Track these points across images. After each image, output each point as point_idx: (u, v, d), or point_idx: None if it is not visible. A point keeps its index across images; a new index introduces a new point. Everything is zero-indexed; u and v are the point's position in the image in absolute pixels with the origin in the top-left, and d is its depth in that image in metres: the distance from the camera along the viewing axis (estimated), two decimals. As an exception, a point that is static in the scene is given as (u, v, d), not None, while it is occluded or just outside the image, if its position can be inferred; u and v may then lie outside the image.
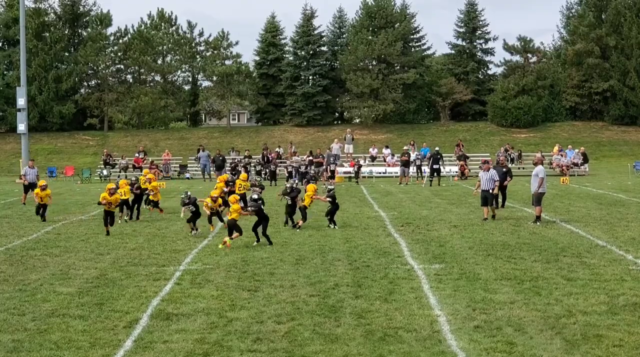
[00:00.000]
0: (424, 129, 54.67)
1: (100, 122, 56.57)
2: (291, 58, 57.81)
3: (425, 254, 14.40)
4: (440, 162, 34.42)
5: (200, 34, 59.94)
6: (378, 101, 53.72)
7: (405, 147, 38.48)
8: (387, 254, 14.44)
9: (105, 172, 41.81)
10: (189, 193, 17.95)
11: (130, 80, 59.02)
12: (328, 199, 18.49)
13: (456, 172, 38.09)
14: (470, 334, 8.87)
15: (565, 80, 55.12)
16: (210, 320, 9.62)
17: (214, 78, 57.97)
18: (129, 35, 58.05)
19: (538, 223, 18.49)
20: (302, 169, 37.86)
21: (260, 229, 15.86)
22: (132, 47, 56.37)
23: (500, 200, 22.32)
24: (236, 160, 40.24)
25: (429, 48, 59.84)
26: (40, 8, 56.77)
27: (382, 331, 9.03)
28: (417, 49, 58.48)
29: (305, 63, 56.37)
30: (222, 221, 18.31)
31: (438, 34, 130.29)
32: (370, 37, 54.65)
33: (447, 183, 34.08)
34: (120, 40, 57.99)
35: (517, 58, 57.87)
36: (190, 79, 61.67)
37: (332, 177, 36.87)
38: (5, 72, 56.79)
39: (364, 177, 39.03)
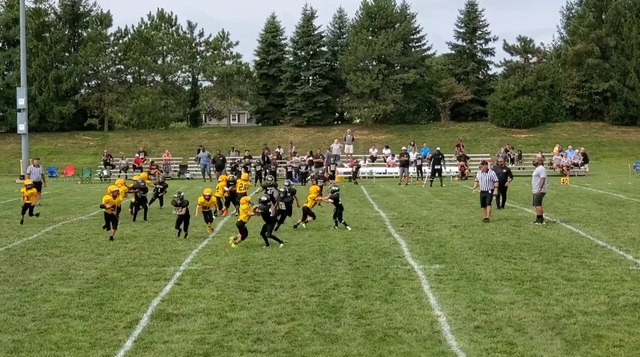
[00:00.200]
0: (424, 129, 54.68)
1: (101, 122, 56.59)
2: (291, 58, 57.83)
3: (425, 254, 14.40)
4: (441, 163, 34.40)
5: (201, 34, 60.01)
6: (378, 101, 53.73)
7: (404, 148, 38.46)
8: (388, 254, 14.44)
9: (105, 172, 41.82)
10: (182, 194, 17.62)
11: (131, 81, 59.05)
12: (330, 200, 18.45)
13: (456, 172, 38.08)
14: (470, 335, 8.87)
15: (565, 81, 55.14)
16: (211, 320, 9.62)
17: (214, 78, 58.00)
18: (129, 36, 58.08)
19: (541, 223, 18.47)
20: (302, 169, 37.87)
21: (267, 231, 15.73)
22: (132, 47, 56.40)
23: (500, 200, 22.32)
24: (236, 161, 40.24)
25: (429, 48, 59.96)
26: (40, 8, 56.80)
27: (383, 331, 9.03)
28: (417, 49, 58.50)
29: (305, 63, 56.38)
30: (210, 221, 18.00)
31: (438, 34, 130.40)
32: (370, 38, 54.67)
33: (447, 183, 34.07)
34: (121, 41, 58.02)
35: (517, 58, 57.93)
36: (190, 79, 61.72)
37: (333, 177, 36.86)
38: (5, 73, 56.80)
39: (364, 177, 39.04)
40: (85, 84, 59.55)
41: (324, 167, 37.81)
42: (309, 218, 18.30)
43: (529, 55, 57.50)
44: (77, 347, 8.58)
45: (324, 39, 58.68)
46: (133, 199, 21.24)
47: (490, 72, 60.50)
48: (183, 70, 60.75)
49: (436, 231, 17.61)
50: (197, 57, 60.11)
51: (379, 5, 56.08)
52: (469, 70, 57.65)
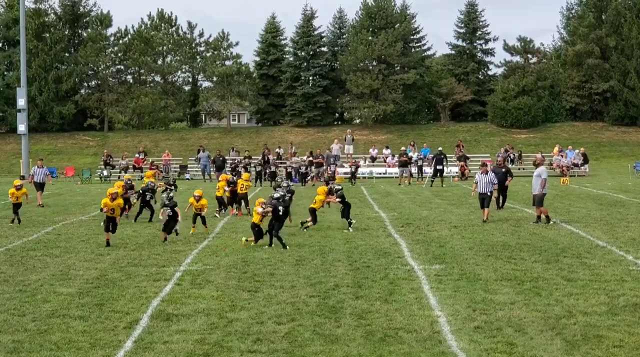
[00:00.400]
0: (424, 129, 54.68)
1: (101, 122, 56.59)
2: (291, 59, 57.83)
3: (425, 254, 14.40)
4: (443, 163, 34.36)
5: (201, 35, 60.00)
6: (378, 102, 53.73)
7: (403, 148, 38.46)
8: (388, 254, 14.44)
9: (105, 172, 41.82)
10: (171, 195, 17.44)
11: (131, 81, 59.04)
12: (337, 199, 18.38)
13: (456, 172, 38.07)
14: (470, 335, 8.87)
15: (565, 81, 55.13)
16: (211, 321, 9.62)
17: (214, 78, 58.00)
18: (129, 36, 58.07)
19: (548, 223, 18.47)
20: (302, 169, 37.87)
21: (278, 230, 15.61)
22: (132, 47, 56.40)
23: (500, 201, 22.33)
24: (236, 161, 40.25)
25: (429, 49, 59.94)
26: (40, 9, 56.79)
27: (383, 332, 9.03)
28: (417, 49, 58.49)
29: (305, 64, 56.38)
30: (203, 225, 17.77)
31: (438, 34, 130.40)
32: (370, 38, 54.66)
33: (447, 184, 34.06)
34: (121, 41, 58.01)
35: (517, 59, 57.93)
36: (190, 80, 61.72)
37: (333, 177, 36.85)
38: (5, 73, 56.81)
39: (364, 177, 39.04)
40: (85, 84, 59.56)
41: (324, 167, 37.83)
42: (309, 221, 18.12)
43: (529, 56, 57.50)
44: (77, 347, 8.58)
45: (324, 39, 58.69)
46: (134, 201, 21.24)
47: (490, 73, 60.54)
48: (183, 70, 60.77)
49: (436, 231, 17.62)
50: (197, 57, 60.10)
51: (379, 5, 56.09)
52: (469, 71, 57.65)
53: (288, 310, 10.11)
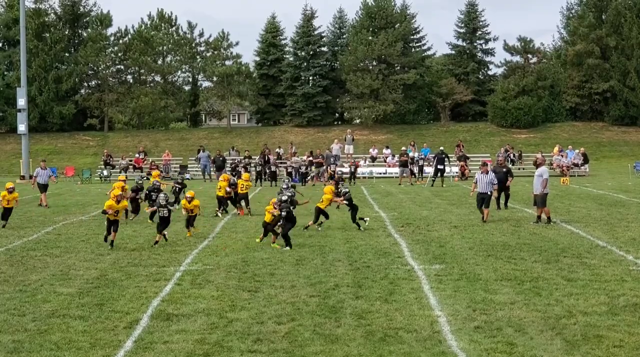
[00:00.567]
0: (424, 129, 54.69)
1: (101, 122, 56.59)
2: (291, 58, 57.83)
3: (425, 254, 14.40)
4: (445, 162, 34.37)
5: (201, 35, 60.00)
6: (378, 102, 53.73)
7: (403, 148, 38.45)
8: (388, 254, 14.44)
9: (105, 172, 41.82)
10: (167, 196, 17.11)
11: (131, 81, 59.04)
12: (345, 201, 18.34)
13: (456, 172, 38.08)
14: (470, 335, 8.87)
15: (565, 81, 55.13)
16: (211, 321, 9.62)
17: (214, 78, 57.99)
18: (129, 36, 58.07)
19: (549, 223, 18.47)
20: (302, 169, 37.87)
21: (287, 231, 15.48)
22: (132, 47, 56.40)
23: (502, 201, 22.30)
24: (236, 161, 40.25)
25: (429, 48, 59.94)
26: (40, 8, 56.79)
27: (383, 332, 9.03)
28: (417, 49, 58.49)
29: (305, 63, 56.38)
30: (191, 226, 17.34)
31: (438, 34, 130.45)
32: (370, 38, 54.66)
33: (448, 184, 34.06)
34: (121, 41, 58.01)
35: (517, 58, 57.93)
36: (190, 80, 61.71)
37: (333, 177, 36.84)
38: (5, 73, 56.80)
39: (364, 177, 39.04)
40: (85, 84, 59.56)
41: (324, 167, 37.83)
42: (310, 223, 18.01)
43: (529, 56, 57.51)
44: (77, 347, 8.58)
45: (324, 39, 58.69)
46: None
47: (490, 73, 60.54)
48: (183, 70, 60.77)
49: (436, 231, 17.61)
50: (197, 57, 60.10)
51: (379, 5, 56.08)
52: (469, 71, 57.65)
53: (288, 310, 10.11)
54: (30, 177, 40.64)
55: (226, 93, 56.42)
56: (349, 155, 42.24)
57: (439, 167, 33.73)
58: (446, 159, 34.70)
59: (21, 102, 42.92)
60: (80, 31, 59.26)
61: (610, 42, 52.64)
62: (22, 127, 42.97)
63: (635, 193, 27.09)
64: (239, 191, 21.78)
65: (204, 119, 70.98)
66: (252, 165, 38.32)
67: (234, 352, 8.34)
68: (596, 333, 8.85)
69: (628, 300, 10.43)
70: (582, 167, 40.02)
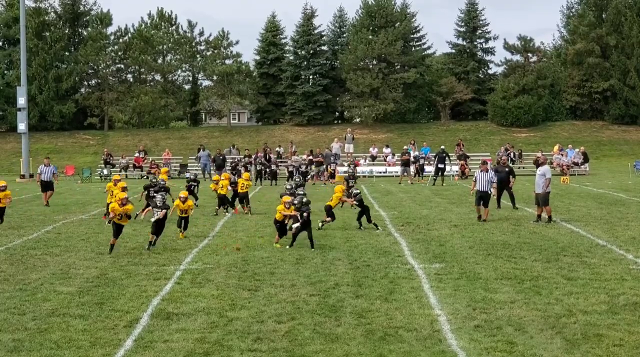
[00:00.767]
0: (425, 128, 54.68)
1: (101, 121, 56.61)
2: (291, 57, 57.82)
3: (425, 253, 14.40)
4: (446, 161, 34.37)
5: (201, 34, 60.00)
6: (378, 101, 53.72)
7: (405, 147, 38.45)
8: (388, 253, 14.44)
9: (105, 171, 41.82)
10: (164, 197, 16.47)
11: (131, 80, 59.05)
12: (355, 202, 18.30)
13: (456, 171, 38.08)
14: (470, 334, 8.87)
15: (565, 80, 55.12)
16: (211, 319, 9.62)
17: (214, 77, 58.00)
18: (129, 35, 58.09)
19: (550, 222, 18.47)
20: (302, 168, 37.87)
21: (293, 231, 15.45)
22: (132, 46, 56.41)
23: (507, 201, 22.21)
24: (236, 160, 40.26)
25: (429, 47, 59.90)
26: (40, 7, 56.81)
27: (383, 331, 9.03)
28: (418, 48, 58.48)
29: (305, 62, 56.37)
30: (183, 228, 16.94)
31: (438, 33, 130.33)
32: (370, 37, 54.65)
33: (448, 182, 34.06)
34: (121, 40, 58.02)
35: (517, 57, 57.93)
36: (190, 79, 61.73)
37: (333, 176, 36.87)
38: (5, 72, 56.83)
39: (364, 176, 39.03)
40: (86, 83, 59.57)
41: (324, 166, 37.84)
42: (327, 219, 17.94)
43: (529, 55, 57.50)
44: (77, 346, 8.58)
45: (324, 38, 58.67)
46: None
47: (490, 72, 60.54)
48: (183, 69, 60.77)
49: (436, 230, 17.61)
50: (197, 56, 60.10)
51: (379, 4, 56.05)
52: (469, 70, 57.64)
53: (288, 309, 10.11)
54: (31, 176, 40.76)
55: (226, 92, 56.41)
56: (349, 154, 42.23)
57: (439, 166, 33.72)
58: (447, 158, 34.71)
59: (21, 101, 42.91)
60: (80, 30, 59.28)
61: (611, 41, 52.62)
62: (22, 126, 42.97)
63: (635, 192, 27.09)
64: (239, 190, 21.78)
65: (204, 118, 70.99)
66: (252, 163, 38.32)
67: (234, 351, 8.34)
68: (596, 332, 8.85)
69: (628, 299, 10.43)
70: (582, 166, 40.01)
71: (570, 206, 22.65)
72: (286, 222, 15.69)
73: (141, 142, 50.59)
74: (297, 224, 15.20)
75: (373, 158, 43.08)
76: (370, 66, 54.89)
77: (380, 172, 40.51)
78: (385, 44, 53.33)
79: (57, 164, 45.46)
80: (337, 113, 60.10)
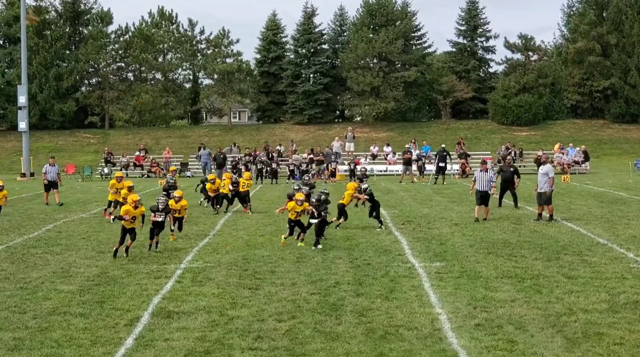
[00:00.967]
0: (425, 127, 54.66)
1: (101, 120, 56.62)
2: (292, 56, 57.82)
3: (426, 252, 14.40)
4: (446, 160, 34.38)
5: (201, 32, 60.02)
6: (379, 99, 53.71)
7: (407, 146, 38.44)
8: (388, 252, 14.44)
9: (106, 170, 41.84)
10: (166, 200, 15.84)
11: (131, 78, 59.06)
12: (366, 197, 18.26)
13: (457, 170, 38.07)
14: (471, 332, 8.87)
15: (566, 79, 55.10)
16: (211, 318, 9.62)
17: (215, 76, 58.00)
18: (130, 33, 58.12)
19: (551, 220, 18.45)
20: (303, 167, 37.88)
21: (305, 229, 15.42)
22: (132, 45, 56.42)
23: (509, 201, 22.17)
24: (237, 158, 40.25)
25: (430, 46, 59.93)
26: (41, 6, 56.80)
27: (383, 329, 9.03)
28: (418, 47, 58.48)
29: (306, 61, 56.37)
30: (177, 229, 16.46)
31: (439, 32, 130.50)
32: (371, 35, 54.64)
33: (448, 181, 34.05)
34: (121, 38, 58.04)
35: (518, 56, 57.93)
36: (191, 77, 61.74)
37: (333, 175, 36.87)
38: (6, 70, 56.84)
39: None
40: (86, 81, 59.60)
41: (325, 164, 37.84)
42: (340, 220, 17.76)
43: (530, 53, 57.48)
44: (78, 344, 8.58)
45: (325, 36, 58.68)
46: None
47: (491, 70, 60.59)
48: (184, 68, 60.81)
49: (437, 229, 17.61)
50: (198, 54, 60.12)
51: (379, 3, 56.04)
52: (469, 68, 57.64)
53: (289, 307, 10.12)
54: (32, 174, 40.78)
55: (227, 91, 56.41)
56: (349, 153, 42.23)
57: (440, 164, 33.72)
58: (447, 156, 34.73)
59: (22, 99, 42.90)
60: (80, 29, 59.30)
61: (611, 40, 52.59)
62: (22, 125, 42.97)
63: (635, 191, 27.08)
64: (240, 189, 21.77)
65: (204, 116, 71.02)
66: (252, 162, 38.29)
67: (234, 350, 8.34)
68: (597, 331, 8.85)
69: (628, 297, 10.43)
70: (583, 165, 40.01)
71: (571, 205, 22.64)
72: (300, 217, 15.49)
73: (142, 140, 50.60)
74: (315, 220, 15.17)
75: (374, 157, 43.07)
76: (371, 65, 54.87)
77: (381, 171, 40.50)
78: (386, 43, 53.31)
79: (57, 163, 45.63)
80: (337, 112, 60.10)
